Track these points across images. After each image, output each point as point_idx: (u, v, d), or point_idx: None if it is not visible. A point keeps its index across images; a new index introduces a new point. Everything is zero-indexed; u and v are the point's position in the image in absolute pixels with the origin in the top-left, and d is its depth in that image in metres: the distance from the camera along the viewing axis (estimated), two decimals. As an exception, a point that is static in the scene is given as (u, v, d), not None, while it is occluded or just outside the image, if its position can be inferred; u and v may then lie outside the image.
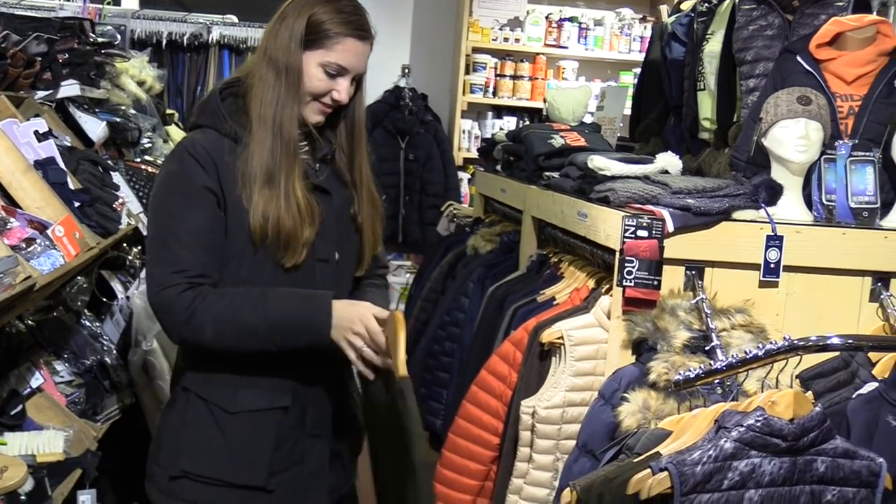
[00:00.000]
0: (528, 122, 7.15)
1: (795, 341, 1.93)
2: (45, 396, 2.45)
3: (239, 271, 2.23)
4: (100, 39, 3.62)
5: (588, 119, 5.25)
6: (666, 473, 1.91)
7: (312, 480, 2.35)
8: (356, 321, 2.17)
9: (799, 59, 3.17)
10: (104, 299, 3.00)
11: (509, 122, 7.16)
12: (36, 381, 2.43)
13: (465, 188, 7.05)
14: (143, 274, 3.06)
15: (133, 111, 3.63)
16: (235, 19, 6.74)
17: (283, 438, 2.29)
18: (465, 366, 3.82)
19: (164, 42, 6.41)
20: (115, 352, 2.82)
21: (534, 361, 3.04)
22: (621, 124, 5.07)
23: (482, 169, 5.15)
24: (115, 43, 4.29)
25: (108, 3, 5.44)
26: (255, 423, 2.26)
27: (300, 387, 2.31)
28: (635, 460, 1.94)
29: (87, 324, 2.81)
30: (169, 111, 4.82)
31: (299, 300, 2.19)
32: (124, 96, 3.63)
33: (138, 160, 3.50)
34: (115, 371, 2.76)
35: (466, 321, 3.99)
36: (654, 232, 2.79)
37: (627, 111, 5.23)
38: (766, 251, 2.82)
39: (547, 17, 7.16)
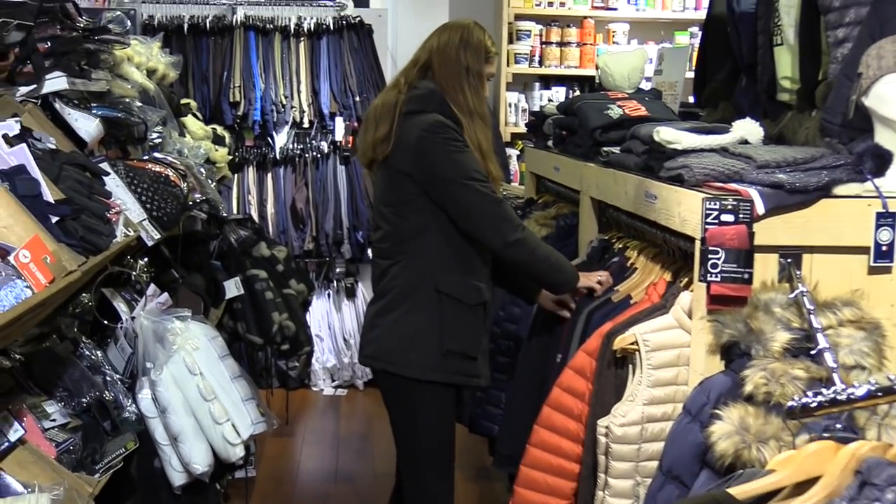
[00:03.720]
0: (578, 92, 6.73)
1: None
2: (28, 449, 2.07)
3: None
4: (100, 24, 3.24)
5: (645, 85, 4.85)
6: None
7: (486, 355, 3.28)
8: (592, 276, 3.18)
9: (902, 0, 2.69)
10: (106, 322, 2.63)
11: (558, 93, 6.73)
12: (15, 433, 2.06)
13: (514, 165, 6.63)
14: (149, 290, 2.68)
15: (139, 104, 3.24)
16: (261, -2, 6.37)
17: (484, 324, 3.25)
18: (521, 366, 3.44)
19: (186, 26, 6.05)
20: (119, 384, 2.45)
21: (607, 373, 2.66)
22: (682, 89, 4.65)
23: (532, 145, 4.79)
24: (126, 28, 3.92)
25: (118, -13, 5.07)
26: (480, 312, 3.19)
27: (487, 291, 3.23)
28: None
29: (87, 353, 2.43)
30: (185, 101, 4.44)
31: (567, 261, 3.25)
32: (128, 88, 3.25)
33: (146, 158, 3.12)
34: (117, 409, 2.39)
35: (524, 316, 3.64)
36: (741, 215, 2.38)
37: (688, 74, 4.78)
38: (876, 231, 2.44)
39: (594, -22, 6.69)
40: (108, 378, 2.45)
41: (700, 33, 6.62)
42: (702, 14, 6.68)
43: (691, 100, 4.79)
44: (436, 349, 3.11)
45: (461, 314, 3.13)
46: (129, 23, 4.04)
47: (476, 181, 3.08)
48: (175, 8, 6.14)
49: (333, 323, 6.44)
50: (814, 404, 1.71)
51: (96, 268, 2.28)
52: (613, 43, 6.73)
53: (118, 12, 4.04)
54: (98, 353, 2.50)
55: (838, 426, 1.97)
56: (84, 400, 2.33)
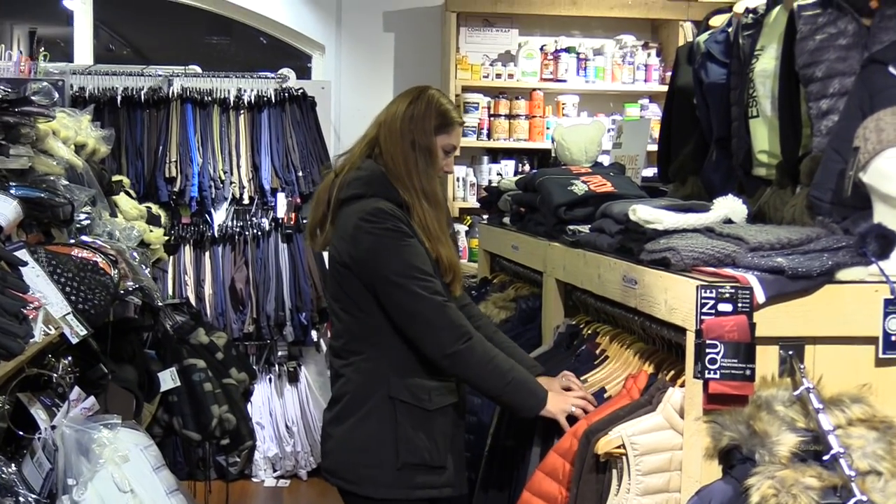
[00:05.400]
0: (527, 165, 6.56)
1: None
2: None
3: None
4: (23, 95, 2.96)
5: (602, 158, 4.67)
6: None
7: (460, 459, 2.97)
8: (570, 398, 2.74)
9: (892, 70, 2.53)
10: (21, 433, 2.31)
11: (507, 166, 6.55)
12: None
13: (462, 241, 6.41)
14: (73, 394, 2.36)
15: (65, 182, 2.95)
16: (199, 69, 6.13)
17: (451, 427, 2.92)
18: (489, 464, 3.16)
19: (119, 99, 5.77)
20: (36, 507, 2.13)
21: (588, 478, 2.40)
22: (643, 163, 4.48)
23: (485, 221, 4.56)
24: (53, 100, 3.63)
25: (45, 56, 4.79)
26: (447, 414, 2.89)
27: (456, 390, 2.92)
28: None
29: (-2, 471, 2.12)
30: (117, 178, 4.16)
31: (533, 379, 2.83)
32: (54, 164, 2.96)
33: (72, 242, 2.83)
34: (31, 540, 2.07)
35: (485, 407, 3.35)
36: (740, 305, 2.17)
37: (649, 147, 4.61)
38: (884, 320, 2.22)
39: (541, 49, 6.57)
40: (22, 499, 2.13)
41: (650, 105, 6.60)
42: (651, 86, 6.63)
43: (646, 172, 4.63)
44: (391, 463, 2.81)
45: (420, 422, 2.83)
46: (56, 94, 3.76)
47: (415, 279, 2.76)
48: (108, 79, 5.87)
49: (275, 409, 6.11)
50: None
51: (10, 373, 1.98)
52: (563, 115, 6.58)
53: (45, 83, 3.76)
54: (10, 469, 2.17)
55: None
56: (-7, 529, 2.01)
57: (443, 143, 2.94)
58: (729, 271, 2.23)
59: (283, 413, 6.11)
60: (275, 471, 6.12)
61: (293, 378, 6.15)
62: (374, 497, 2.83)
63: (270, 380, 6.16)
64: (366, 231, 2.78)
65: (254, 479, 6.07)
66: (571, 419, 2.68)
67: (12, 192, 2.51)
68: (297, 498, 5.84)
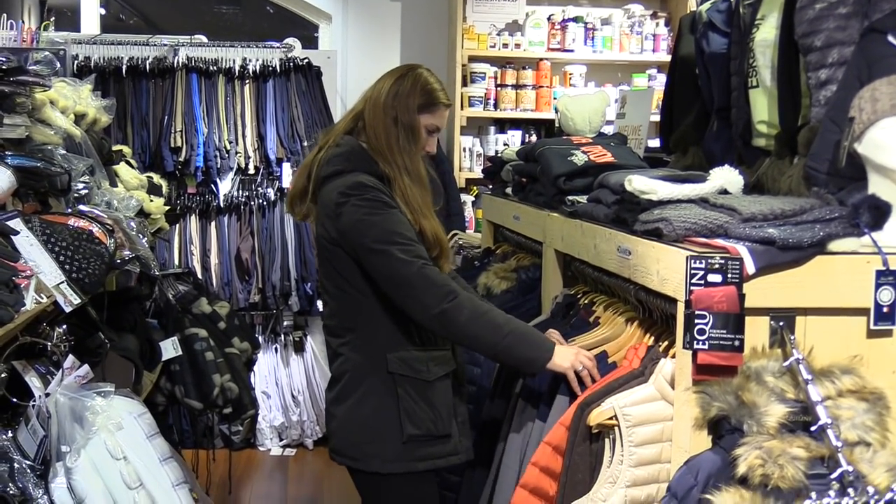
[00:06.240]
0: (534, 136, 6.54)
1: None
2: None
3: None
4: (20, 64, 2.95)
5: (607, 129, 4.65)
6: None
7: (464, 426, 2.98)
8: (581, 353, 2.68)
9: (891, 39, 2.50)
10: (15, 400, 2.32)
11: (514, 137, 6.52)
12: None
13: (468, 211, 6.40)
14: (67, 362, 2.37)
15: (63, 151, 2.95)
16: (205, 39, 6.13)
17: (452, 395, 2.93)
18: (482, 432, 3.17)
19: (125, 68, 5.77)
20: (29, 472, 2.14)
21: (581, 449, 2.39)
22: (646, 133, 4.46)
23: (489, 192, 4.56)
24: (55, 69, 3.64)
25: (46, 26, 4.79)
26: (446, 382, 2.90)
27: (452, 359, 2.94)
28: None
29: (-8, 438, 2.14)
30: (117, 147, 4.16)
31: (535, 330, 2.83)
32: (51, 134, 2.96)
33: (69, 211, 2.83)
34: (25, 503, 2.08)
35: (484, 376, 3.37)
36: (730, 276, 2.17)
37: (653, 117, 4.59)
38: (876, 291, 2.22)
39: (549, 19, 6.53)
40: (17, 465, 2.14)
41: (658, 76, 6.56)
42: (660, 56, 6.58)
43: (653, 143, 4.61)
44: (396, 438, 2.81)
45: (422, 393, 2.83)
46: (58, 64, 3.76)
47: (396, 245, 2.73)
48: (113, 49, 5.86)
49: (281, 379, 6.14)
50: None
51: (3, 339, 1.99)
52: (570, 85, 6.55)
53: (46, 52, 3.76)
54: (6, 435, 2.19)
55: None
56: (-16, 496, 2.02)
57: (426, 123, 2.93)
58: (720, 242, 2.23)
59: (289, 382, 6.14)
60: (281, 440, 6.17)
61: (299, 348, 6.18)
62: (380, 472, 2.84)
63: (276, 349, 6.18)
64: (346, 204, 2.77)
65: (260, 448, 6.11)
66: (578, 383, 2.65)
67: (7, 160, 2.51)
68: (302, 467, 5.88)
